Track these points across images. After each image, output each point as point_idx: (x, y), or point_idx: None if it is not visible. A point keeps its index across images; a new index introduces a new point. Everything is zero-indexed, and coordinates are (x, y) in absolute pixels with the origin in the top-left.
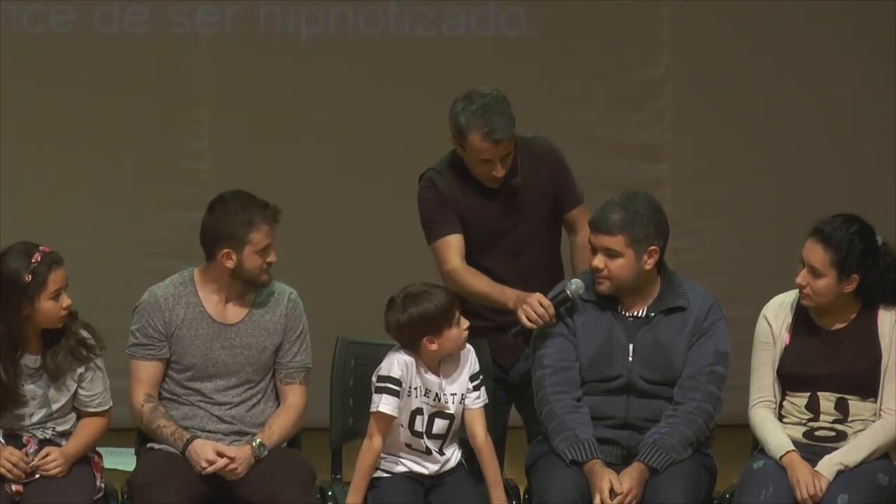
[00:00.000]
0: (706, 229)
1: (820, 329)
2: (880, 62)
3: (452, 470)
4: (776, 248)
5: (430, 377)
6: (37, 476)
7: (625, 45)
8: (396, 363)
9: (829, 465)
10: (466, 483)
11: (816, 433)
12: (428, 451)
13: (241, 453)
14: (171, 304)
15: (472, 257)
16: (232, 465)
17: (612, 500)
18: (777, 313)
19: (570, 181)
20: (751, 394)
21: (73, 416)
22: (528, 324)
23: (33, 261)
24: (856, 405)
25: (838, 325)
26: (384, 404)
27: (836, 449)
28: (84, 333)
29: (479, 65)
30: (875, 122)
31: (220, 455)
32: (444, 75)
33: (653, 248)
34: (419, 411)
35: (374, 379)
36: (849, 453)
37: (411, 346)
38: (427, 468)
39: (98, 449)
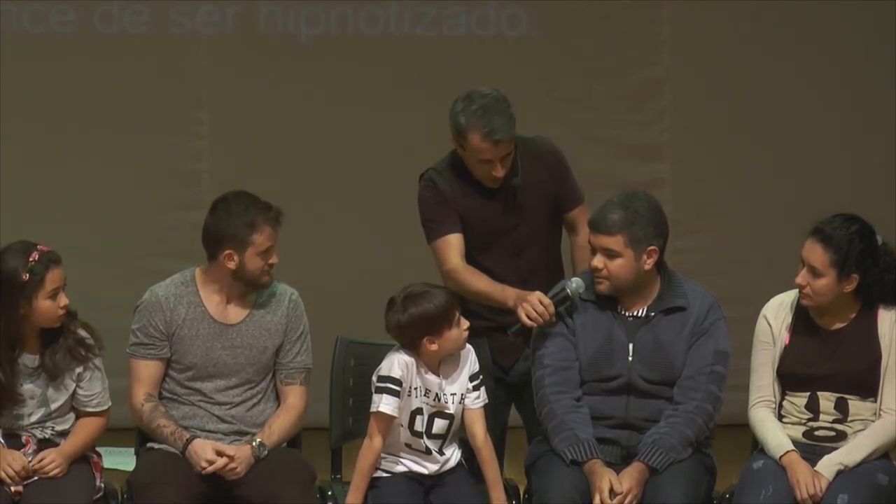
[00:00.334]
0: (706, 229)
1: (820, 329)
2: (880, 62)
3: (452, 470)
4: (776, 248)
5: (430, 377)
6: (36, 476)
7: (625, 45)
8: (396, 363)
9: (829, 464)
10: (466, 483)
11: (816, 433)
12: (428, 451)
13: (240, 453)
14: (173, 303)
15: (472, 257)
16: (232, 465)
17: (611, 500)
18: (777, 313)
19: (571, 181)
20: (750, 393)
21: (72, 415)
22: (528, 322)
23: (31, 259)
24: (855, 405)
25: (838, 325)
26: (384, 404)
27: (835, 449)
28: (83, 333)
29: (479, 65)
30: (875, 122)
31: (220, 454)
32: (444, 75)
33: (652, 248)
34: (419, 411)
35: (374, 379)
36: (848, 453)
37: (411, 347)
38: (427, 468)
39: (98, 449)
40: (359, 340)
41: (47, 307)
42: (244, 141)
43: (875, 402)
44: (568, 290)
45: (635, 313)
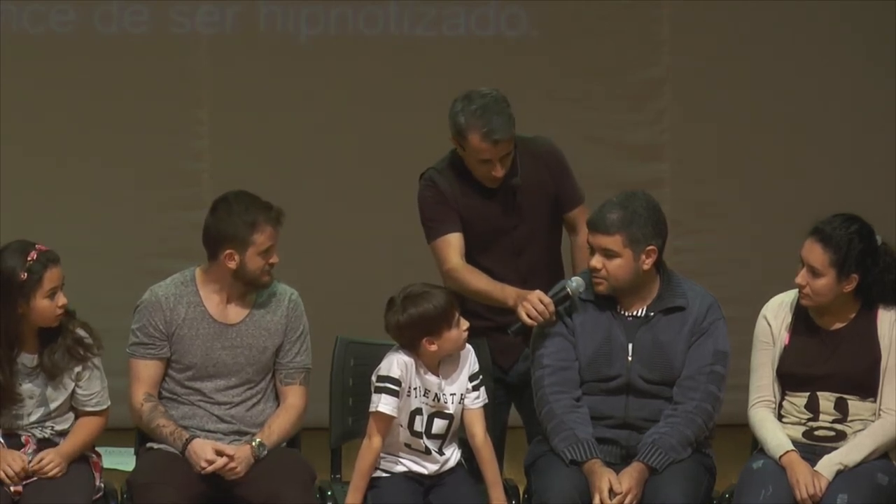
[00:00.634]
0: (706, 229)
1: (819, 329)
2: (880, 62)
3: (452, 470)
4: (776, 247)
5: (430, 377)
6: (35, 477)
7: (625, 45)
8: (396, 363)
9: (829, 464)
10: (466, 483)
11: (816, 433)
12: (427, 451)
13: (240, 452)
14: (173, 303)
15: (472, 257)
16: (231, 465)
17: (611, 500)
18: (777, 313)
19: (571, 181)
20: (750, 393)
21: (71, 415)
22: (529, 321)
23: (29, 259)
24: (855, 405)
25: (838, 325)
26: (383, 404)
27: (835, 449)
28: (81, 332)
29: (479, 65)
30: (875, 122)
31: (220, 454)
32: (444, 75)
33: (651, 248)
34: (418, 411)
35: (373, 379)
36: (848, 453)
37: (411, 347)
38: (426, 468)
39: (97, 449)
40: (358, 340)
41: (45, 306)
42: (244, 141)
43: (875, 402)
44: (568, 290)
45: (635, 313)
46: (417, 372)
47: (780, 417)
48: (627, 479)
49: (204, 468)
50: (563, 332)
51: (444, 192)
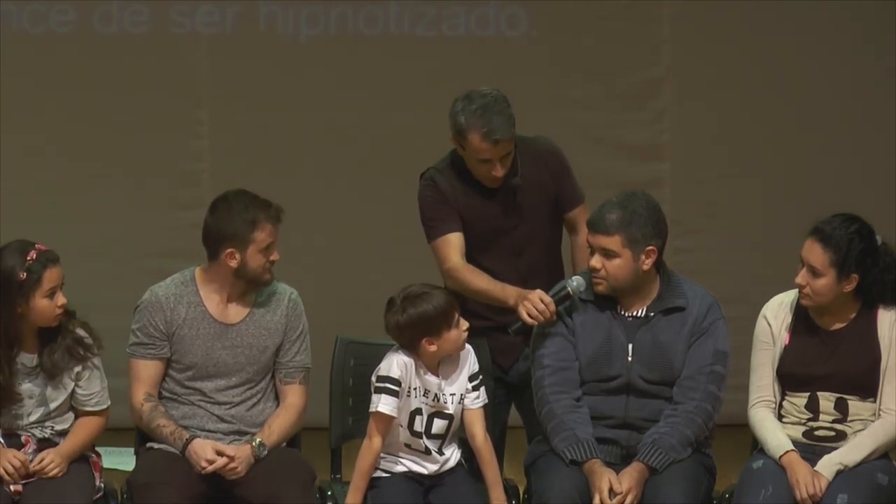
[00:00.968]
0: (706, 229)
1: (819, 329)
2: (881, 62)
3: (452, 470)
4: (776, 247)
5: (430, 377)
6: (35, 477)
7: (625, 45)
8: (396, 363)
9: (829, 464)
10: (466, 483)
11: (816, 433)
12: (427, 451)
13: (240, 453)
14: (173, 303)
15: (472, 257)
16: (232, 465)
17: (611, 500)
18: (777, 313)
19: (571, 181)
20: (750, 393)
21: (71, 415)
22: (529, 320)
23: (29, 258)
24: (855, 405)
25: (838, 325)
26: (383, 404)
27: (835, 449)
28: (81, 332)
29: (479, 65)
30: (875, 122)
31: (220, 454)
32: (444, 75)
33: (650, 248)
34: (418, 411)
35: (373, 379)
36: (848, 453)
37: (410, 347)
38: (426, 468)
39: (97, 449)
40: (358, 340)
41: (45, 306)
42: (244, 141)
43: (875, 402)
44: (569, 289)
45: (635, 313)
46: (417, 372)
47: (780, 417)
48: (627, 479)
49: (204, 468)
50: (563, 333)
51: (444, 191)
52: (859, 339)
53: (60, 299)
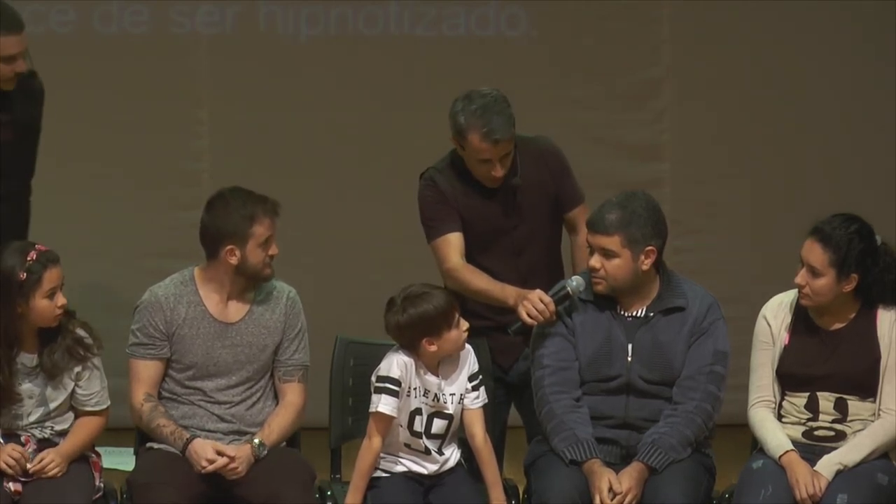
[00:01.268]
0: (706, 229)
1: (819, 329)
2: (881, 62)
3: (451, 470)
4: (776, 247)
5: (430, 377)
6: (34, 477)
7: (625, 45)
8: (396, 363)
9: (829, 464)
10: (466, 483)
11: (816, 433)
12: (427, 451)
13: (241, 452)
14: (173, 303)
15: (472, 257)
16: (232, 465)
17: (611, 500)
18: (776, 313)
19: (571, 180)
20: (750, 393)
21: (70, 415)
22: (529, 320)
23: (29, 259)
24: (855, 405)
25: (837, 325)
26: (383, 404)
27: (835, 449)
28: (81, 332)
29: (479, 65)
30: (875, 122)
31: (221, 454)
32: (444, 75)
33: (650, 248)
34: (418, 411)
35: (373, 379)
36: (848, 453)
37: (410, 347)
38: (426, 468)
39: (97, 448)
40: (358, 340)
41: (44, 306)
42: (244, 141)
43: (874, 402)
44: (568, 289)
45: (634, 313)
46: (417, 372)
47: (779, 417)
48: (627, 479)
49: (204, 467)
50: (563, 332)
51: (444, 191)
52: (859, 339)
53: (60, 300)
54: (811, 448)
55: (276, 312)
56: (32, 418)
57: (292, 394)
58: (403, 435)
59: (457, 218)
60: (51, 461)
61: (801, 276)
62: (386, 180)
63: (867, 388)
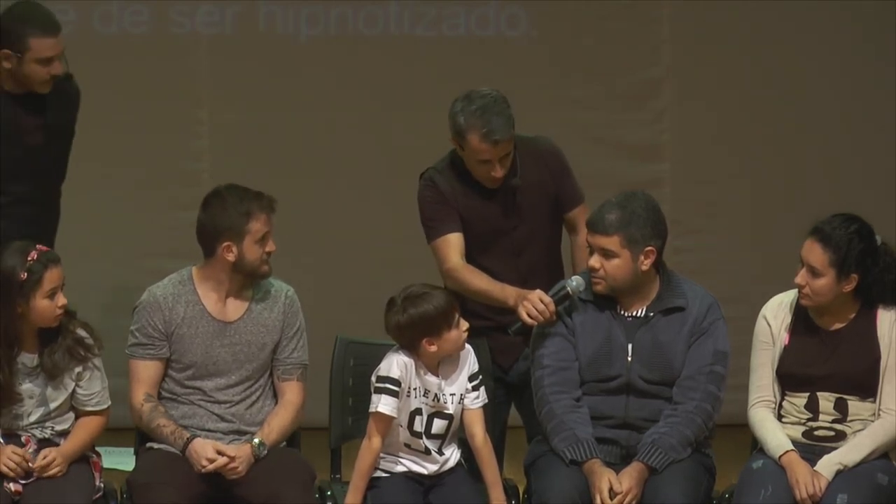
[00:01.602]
0: (706, 229)
1: (819, 329)
2: (882, 62)
3: (452, 470)
4: (776, 247)
5: (430, 378)
6: (34, 476)
7: (625, 45)
8: (396, 364)
9: (829, 464)
10: (466, 483)
11: (816, 433)
12: (427, 451)
13: (241, 452)
14: (171, 303)
15: (472, 257)
16: (232, 465)
17: (611, 500)
18: (776, 313)
19: (571, 181)
20: (750, 393)
21: (71, 415)
22: (529, 320)
23: (29, 259)
24: (855, 405)
25: (837, 325)
26: (383, 405)
27: (835, 449)
28: (82, 332)
29: (479, 65)
30: (875, 122)
31: (221, 454)
32: (444, 75)
33: (649, 248)
34: (418, 411)
35: (373, 379)
36: (848, 453)
37: (410, 347)
38: (426, 468)
39: (97, 449)
40: (358, 340)
41: (45, 307)
42: (244, 141)
43: (874, 402)
44: (568, 289)
45: (634, 313)
46: (417, 372)
47: (779, 417)
48: (627, 479)
49: (205, 466)
50: (562, 332)
51: (443, 191)
52: (859, 339)
53: (61, 300)
54: (811, 448)
55: (274, 311)
56: (33, 418)
57: (291, 393)
58: (403, 435)
59: (456, 218)
60: (54, 459)
61: (801, 276)
62: (386, 180)
63: (867, 388)
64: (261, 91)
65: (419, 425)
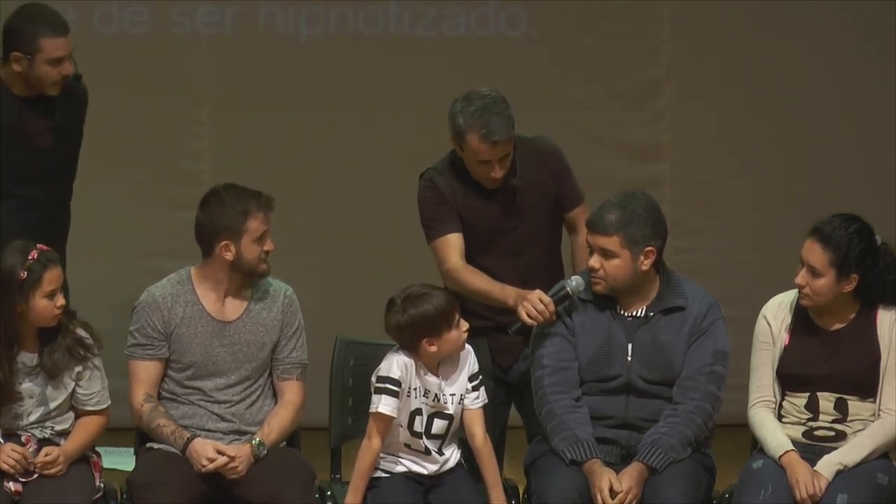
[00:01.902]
0: (706, 229)
1: (819, 329)
2: (881, 62)
3: (452, 470)
4: (776, 247)
5: (430, 378)
6: (35, 475)
7: (625, 45)
8: (396, 364)
9: (829, 464)
10: (466, 483)
11: (816, 433)
12: (427, 452)
13: (241, 452)
14: (170, 303)
15: (472, 257)
16: (232, 465)
17: (612, 500)
18: (776, 313)
19: (571, 181)
20: (750, 393)
21: (71, 414)
22: (529, 321)
23: (29, 258)
24: (855, 405)
25: (837, 325)
26: (383, 405)
27: (835, 449)
28: (82, 332)
29: (479, 65)
30: (875, 122)
31: (221, 454)
32: (444, 75)
33: (649, 248)
34: (418, 412)
35: (373, 379)
36: (848, 453)
37: (410, 347)
38: (426, 468)
39: (97, 449)
40: (358, 340)
41: (44, 306)
42: (244, 141)
43: (874, 402)
44: (568, 289)
45: (634, 313)
46: (417, 372)
47: (779, 417)
48: (627, 479)
49: (205, 466)
50: (562, 332)
51: (443, 192)
52: (859, 339)
53: (60, 300)
54: (811, 448)
55: (273, 310)
56: (33, 418)
57: (291, 392)
58: (403, 435)
59: (456, 218)
60: (58, 456)
61: (801, 277)
62: (386, 180)
63: (867, 388)
64: (261, 91)
65: (419, 425)
